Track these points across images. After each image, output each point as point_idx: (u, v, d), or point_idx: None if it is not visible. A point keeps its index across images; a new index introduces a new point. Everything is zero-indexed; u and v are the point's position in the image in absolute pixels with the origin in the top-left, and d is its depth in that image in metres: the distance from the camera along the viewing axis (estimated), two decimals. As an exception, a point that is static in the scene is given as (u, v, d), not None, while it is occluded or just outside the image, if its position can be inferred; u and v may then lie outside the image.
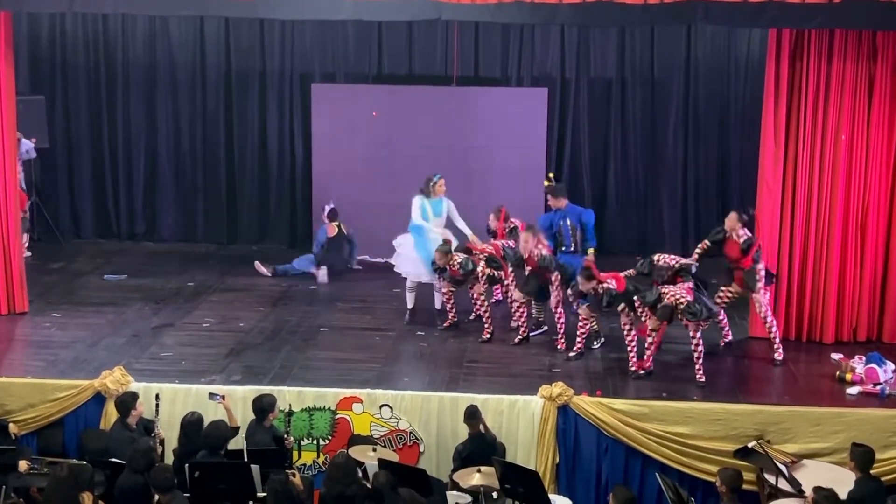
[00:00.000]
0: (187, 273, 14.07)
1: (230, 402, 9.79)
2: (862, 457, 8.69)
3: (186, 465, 8.58)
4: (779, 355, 11.06)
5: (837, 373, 10.69)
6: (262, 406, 9.39)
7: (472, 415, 9.53)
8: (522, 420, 10.01)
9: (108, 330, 11.87)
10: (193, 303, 12.87)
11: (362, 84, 15.58)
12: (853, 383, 10.47)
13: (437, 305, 12.44)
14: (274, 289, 13.57)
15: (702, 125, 15.58)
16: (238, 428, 9.50)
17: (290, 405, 9.79)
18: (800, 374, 10.94)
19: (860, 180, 11.35)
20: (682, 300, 10.37)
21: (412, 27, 15.39)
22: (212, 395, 9.78)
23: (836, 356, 11.09)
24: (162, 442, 9.33)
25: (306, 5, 11.25)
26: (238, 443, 9.15)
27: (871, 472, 8.74)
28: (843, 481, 8.65)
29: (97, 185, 16.21)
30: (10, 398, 10.17)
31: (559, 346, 11.41)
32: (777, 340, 11.10)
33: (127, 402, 9.45)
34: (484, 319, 11.70)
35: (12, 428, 9.85)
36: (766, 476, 9.27)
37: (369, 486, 8.45)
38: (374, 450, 9.26)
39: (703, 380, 10.46)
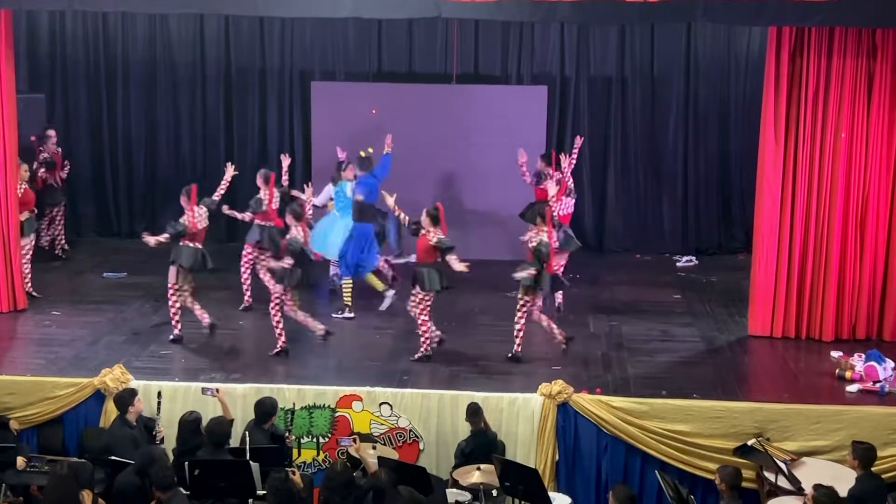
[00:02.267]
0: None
1: (229, 400, 9.80)
2: (864, 454, 8.70)
3: (186, 462, 8.58)
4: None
5: (837, 370, 10.70)
6: (267, 410, 9.38)
7: (475, 412, 9.55)
8: (522, 418, 10.01)
9: (108, 328, 11.88)
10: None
11: (362, 82, 15.60)
12: (853, 381, 10.47)
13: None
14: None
15: (702, 122, 15.59)
16: (233, 420, 9.49)
17: (294, 403, 9.80)
18: (799, 371, 10.94)
19: (860, 177, 11.35)
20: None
21: (412, 25, 15.39)
22: (204, 390, 9.76)
23: (835, 354, 11.09)
24: (162, 440, 9.33)
25: (306, 3, 11.25)
26: (238, 441, 9.14)
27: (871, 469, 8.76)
28: (842, 479, 8.65)
29: (97, 183, 16.22)
30: (11, 396, 10.17)
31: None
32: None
33: (125, 398, 9.45)
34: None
35: (13, 424, 9.87)
36: (766, 474, 9.26)
37: (368, 478, 8.48)
38: (374, 447, 9.28)
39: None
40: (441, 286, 10.84)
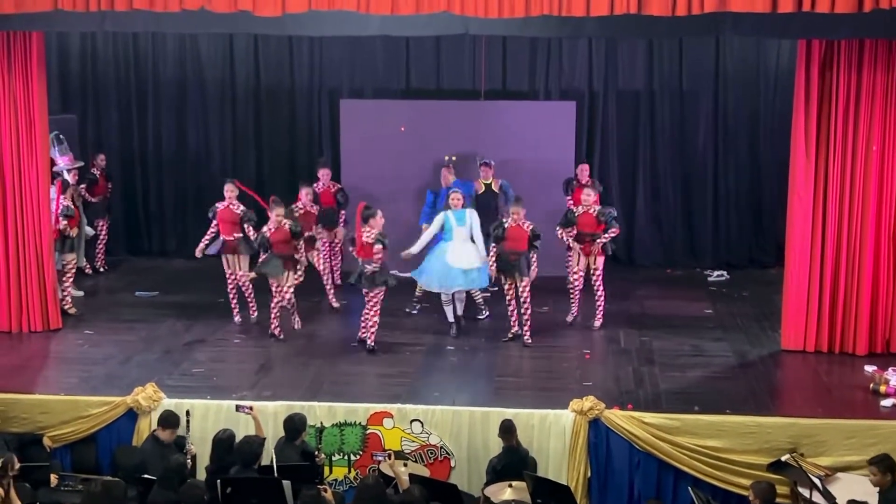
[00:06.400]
0: (218, 290, 14.11)
1: (261, 418, 9.81)
2: (885, 466, 8.58)
3: (218, 480, 8.60)
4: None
5: (871, 385, 10.60)
6: (296, 426, 9.40)
7: (508, 429, 9.52)
8: (553, 434, 9.98)
9: (140, 346, 11.94)
10: (224, 319, 12.92)
11: (391, 99, 15.65)
12: (887, 395, 10.38)
13: (450, 317, 12.41)
14: (304, 305, 13.60)
15: (731, 136, 15.55)
16: (265, 439, 9.51)
17: (321, 422, 9.79)
18: (833, 386, 10.85)
19: (892, 191, 11.24)
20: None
21: (440, 42, 15.44)
22: (238, 407, 9.78)
23: (869, 368, 11.00)
24: (193, 458, 9.37)
25: (334, 22, 11.28)
26: (269, 458, 9.16)
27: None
28: (876, 494, 8.57)
29: (128, 202, 16.36)
30: (44, 415, 10.24)
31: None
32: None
33: (172, 418, 9.55)
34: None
35: (46, 442, 9.99)
36: (801, 489, 9.19)
37: (400, 494, 8.47)
38: (406, 465, 9.27)
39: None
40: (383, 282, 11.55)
